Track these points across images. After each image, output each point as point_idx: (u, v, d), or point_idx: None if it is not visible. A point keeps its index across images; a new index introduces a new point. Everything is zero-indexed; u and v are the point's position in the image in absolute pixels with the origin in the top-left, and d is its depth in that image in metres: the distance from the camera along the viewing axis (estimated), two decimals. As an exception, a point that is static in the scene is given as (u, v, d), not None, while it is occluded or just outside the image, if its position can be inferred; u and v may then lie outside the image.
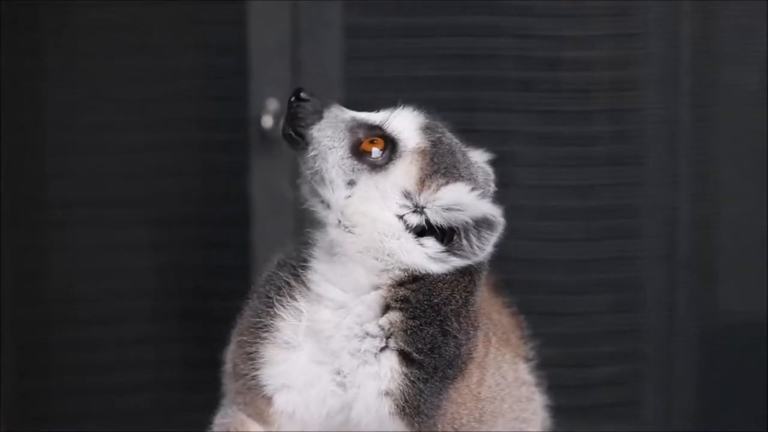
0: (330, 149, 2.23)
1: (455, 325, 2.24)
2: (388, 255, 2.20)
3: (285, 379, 2.30)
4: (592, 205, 3.39)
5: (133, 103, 3.39)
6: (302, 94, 2.28)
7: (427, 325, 2.23)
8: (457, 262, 2.20)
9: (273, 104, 3.34)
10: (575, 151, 3.37)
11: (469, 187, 2.22)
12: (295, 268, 2.31)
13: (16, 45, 3.35)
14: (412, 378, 2.23)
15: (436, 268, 2.20)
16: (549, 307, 3.29)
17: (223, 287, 3.36)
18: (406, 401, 2.25)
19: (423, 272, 2.21)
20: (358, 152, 2.22)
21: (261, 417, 2.33)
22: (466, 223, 2.18)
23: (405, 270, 2.21)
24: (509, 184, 3.30)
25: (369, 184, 2.21)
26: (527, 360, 2.53)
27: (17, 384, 3.43)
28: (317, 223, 2.27)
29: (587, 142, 3.38)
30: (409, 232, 2.21)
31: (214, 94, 3.40)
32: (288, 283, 2.30)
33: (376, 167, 2.21)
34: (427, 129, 2.27)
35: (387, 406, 2.25)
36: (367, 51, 3.36)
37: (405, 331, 2.23)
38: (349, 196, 2.21)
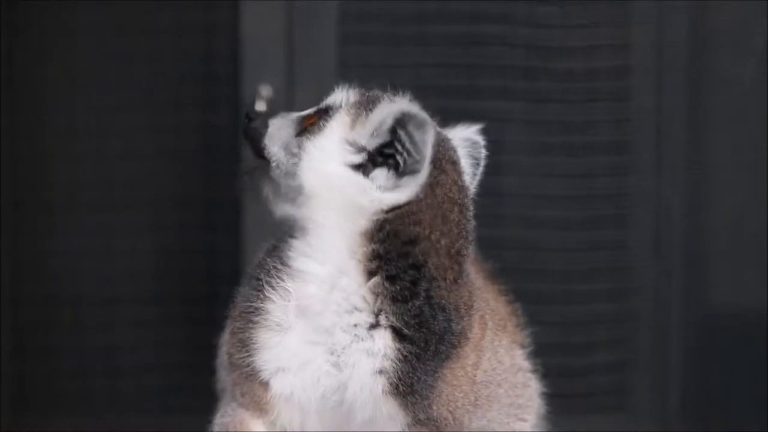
0: (279, 140, 2.32)
1: (442, 292, 2.24)
2: (351, 206, 2.22)
3: (279, 362, 2.30)
4: (584, 193, 3.39)
5: (125, 87, 3.38)
6: (249, 114, 2.40)
7: (412, 294, 2.23)
8: (409, 181, 2.21)
9: (267, 90, 3.33)
10: (568, 139, 3.37)
11: (388, 102, 2.28)
12: (283, 251, 2.32)
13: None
14: (404, 353, 2.24)
15: (394, 196, 2.21)
16: (540, 295, 3.29)
17: (215, 269, 3.38)
18: (400, 379, 2.25)
19: (387, 210, 2.22)
20: (301, 132, 2.31)
21: (259, 405, 2.34)
22: (394, 132, 2.21)
23: (373, 219, 2.22)
24: (503, 172, 3.31)
25: (312, 148, 2.27)
26: (523, 347, 2.54)
27: (16, 366, 3.44)
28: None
29: (580, 130, 3.38)
30: (359, 173, 2.23)
31: (208, 79, 3.39)
32: (276, 267, 2.31)
33: (315, 133, 2.28)
34: (360, 91, 2.36)
35: (381, 384, 2.26)
36: (362, 37, 3.36)
37: (392, 300, 2.24)
38: (299, 165, 2.27)
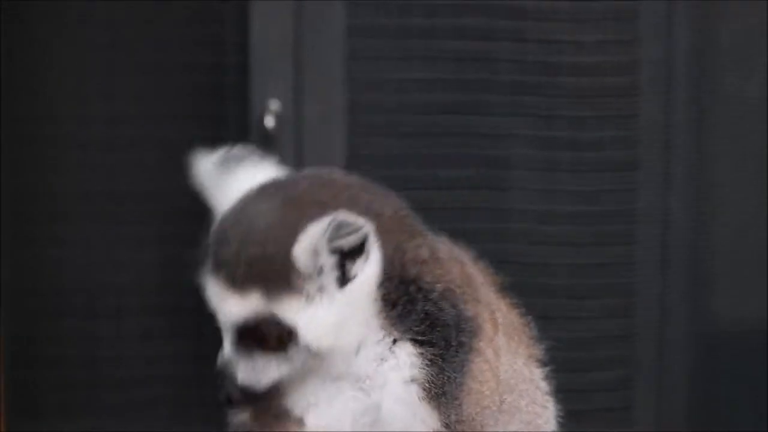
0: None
1: (429, 277, 2.20)
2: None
3: (309, 397, 2.27)
4: (586, 210, 3.41)
5: (131, 97, 3.40)
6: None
7: (411, 301, 2.18)
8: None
9: (275, 105, 3.34)
10: (570, 156, 3.39)
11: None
12: None
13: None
14: (429, 356, 2.21)
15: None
16: (542, 310, 3.29)
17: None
18: (431, 382, 2.23)
19: None
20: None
21: None
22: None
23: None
24: (510, 188, 3.32)
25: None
26: (541, 363, 2.47)
27: (12, 376, 3.44)
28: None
29: (582, 147, 3.39)
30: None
31: (216, 93, 3.41)
32: None
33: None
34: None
35: (415, 392, 2.25)
36: (371, 51, 3.37)
37: (399, 319, 2.19)
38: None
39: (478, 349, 2.27)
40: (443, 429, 2.26)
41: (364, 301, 2.16)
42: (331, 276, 2.11)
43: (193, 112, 3.42)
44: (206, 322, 3.39)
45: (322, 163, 3.36)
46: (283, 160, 3.32)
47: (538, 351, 2.48)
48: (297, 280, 2.09)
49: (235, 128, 3.40)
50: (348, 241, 2.08)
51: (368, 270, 2.14)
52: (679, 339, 3.47)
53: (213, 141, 3.40)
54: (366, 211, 2.17)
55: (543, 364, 2.48)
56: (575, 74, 3.37)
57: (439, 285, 2.22)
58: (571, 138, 3.37)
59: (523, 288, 3.14)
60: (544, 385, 2.44)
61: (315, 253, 2.08)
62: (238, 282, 2.07)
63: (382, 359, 2.24)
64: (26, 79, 3.39)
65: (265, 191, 2.16)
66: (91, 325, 3.45)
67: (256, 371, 2.16)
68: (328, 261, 2.09)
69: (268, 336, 2.12)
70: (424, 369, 2.23)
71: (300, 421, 2.29)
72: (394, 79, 3.36)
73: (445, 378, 2.24)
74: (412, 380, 2.24)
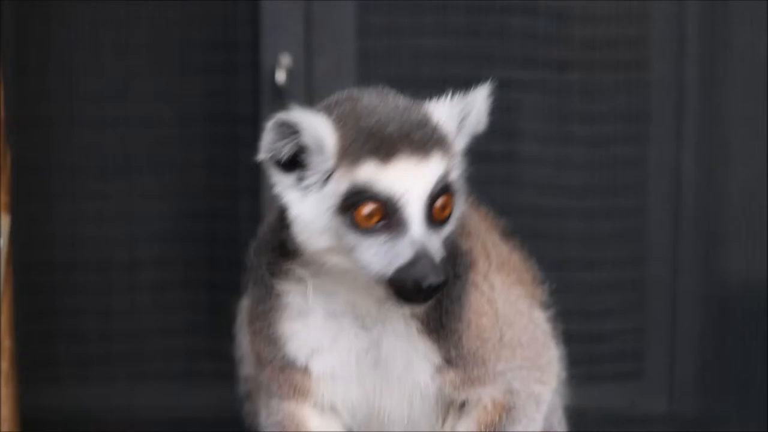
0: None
1: None
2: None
3: (312, 344, 2.32)
4: (603, 160, 3.42)
5: (143, 52, 3.41)
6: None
7: None
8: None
9: (286, 59, 3.35)
10: (585, 107, 3.40)
11: None
12: (276, 248, 2.32)
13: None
14: None
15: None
16: (557, 260, 3.30)
17: (232, 233, 3.40)
18: (429, 316, 2.27)
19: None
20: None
21: (302, 391, 2.36)
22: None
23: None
24: (523, 138, 3.32)
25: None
26: (543, 306, 2.52)
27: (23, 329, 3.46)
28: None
29: (597, 97, 3.40)
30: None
31: (227, 47, 3.41)
32: (276, 263, 2.31)
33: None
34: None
35: (414, 326, 2.28)
36: (382, 5, 3.37)
37: None
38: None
39: (475, 282, 2.32)
40: (445, 364, 2.31)
41: None
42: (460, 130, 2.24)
43: (205, 66, 3.42)
44: (220, 273, 3.45)
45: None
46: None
47: (541, 293, 2.54)
48: (448, 138, 2.21)
49: (246, 82, 3.40)
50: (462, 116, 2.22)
51: None
52: (690, 291, 3.48)
53: (225, 95, 3.44)
54: None
55: (546, 306, 2.53)
56: (587, 24, 3.38)
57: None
58: (583, 85, 3.39)
59: (536, 234, 3.17)
60: (546, 327, 2.48)
61: (449, 119, 2.22)
62: (426, 149, 2.15)
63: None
64: (40, 33, 3.41)
65: (363, 94, 2.23)
66: (105, 277, 3.47)
67: (438, 245, 2.17)
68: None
69: (446, 201, 2.18)
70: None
71: (305, 370, 2.34)
72: (406, 29, 3.36)
73: (443, 310, 2.28)
74: (412, 315, 2.28)
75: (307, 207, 2.17)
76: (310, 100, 3.37)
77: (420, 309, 2.25)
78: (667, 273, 3.47)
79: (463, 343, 2.30)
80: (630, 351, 3.50)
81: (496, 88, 2.28)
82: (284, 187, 2.19)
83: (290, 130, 2.15)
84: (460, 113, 2.24)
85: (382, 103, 2.21)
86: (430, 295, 2.13)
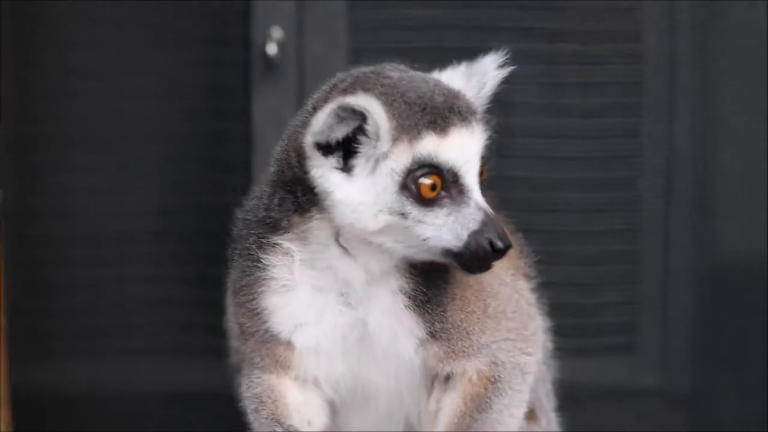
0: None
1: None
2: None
3: (296, 319, 2.32)
4: (596, 132, 3.41)
5: (134, 25, 3.39)
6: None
7: None
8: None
9: (277, 32, 3.34)
10: (578, 78, 3.39)
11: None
12: (263, 221, 2.32)
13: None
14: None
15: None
16: (550, 233, 3.31)
17: (223, 206, 3.38)
18: (415, 290, 2.28)
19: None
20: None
21: (284, 364, 2.36)
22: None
23: None
24: (516, 111, 3.32)
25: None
26: (527, 278, 2.52)
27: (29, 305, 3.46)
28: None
29: (590, 68, 3.39)
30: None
31: (219, 19, 3.40)
32: (263, 236, 2.31)
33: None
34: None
35: (401, 300, 2.28)
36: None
37: None
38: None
39: None
40: (429, 337, 2.30)
41: None
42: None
43: (196, 39, 3.41)
44: (212, 246, 3.45)
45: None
46: (285, 88, 3.37)
47: (525, 264, 2.54)
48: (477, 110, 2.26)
49: (237, 55, 3.39)
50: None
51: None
52: (683, 264, 3.48)
53: (216, 68, 3.44)
54: None
55: (530, 277, 2.53)
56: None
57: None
58: (576, 54, 3.38)
59: (529, 206, 3.17)
60: (531, 297, 2.48)
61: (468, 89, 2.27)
62: (470, 118, 2.21)
63: None
64: (29, 7, 3.39)
65: (384, 69, 2.26)
66: (95, 250, 3.46)
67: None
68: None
69: (483, 169, 2.24)
70: (407, 276, 2.28)
71: (288, 344, 2.34)
72: (397, 0, 3.36)
73: (429, 284, 2.28)
74: (399, 290, 2.28)
75: (357, 189, 2.18)
76: (301, 73, 3.37)
77: (416, 283, 2.28)
78: (660, 246, 3.47)
79: (447, 316, 2.30)
80: (622, 324, 3.50)
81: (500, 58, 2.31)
82: (326, 170, 2.19)
83: (352, 116, 2.16)
84: (477, 84, 2.29)
85: (411, 77, 2.25)
86: (498, 258, 2.19)
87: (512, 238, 2.48)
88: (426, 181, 2.16)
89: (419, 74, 2.27)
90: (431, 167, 2.16)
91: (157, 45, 3.41)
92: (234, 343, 2.56)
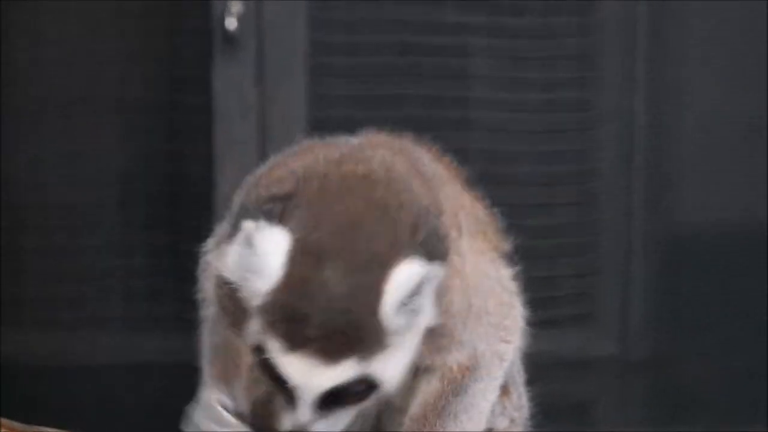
0: None
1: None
2: None
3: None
4: (547, 102, 3.41)
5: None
6: None
7: None
8: None
9: (237, 6, 3.33)
10: (535, 50, 3.40)
11: None
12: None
13: None
14: None
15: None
16: (503, 203, 3.33)
17: (185, 181, 3.42)
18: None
19: None
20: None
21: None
22: None
23: None
24: (469, 80, 3.34)
25: None
26: (506, 256, 2.46)
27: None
28: None
29: (543, 40, 3.39)
30: None
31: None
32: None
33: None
34: None
35: None
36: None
37: None
38: None
39: (449, 261, 2.24)
40: None
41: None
42: (412, 321, 2.09)
43: (155, 11, 3.40)
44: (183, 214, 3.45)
45: (283, 67, 3.38)
46: (245, 63, 3.37)
47: (505, 245, 2.48)
48: (386, 337, 2.07)
49: (196, 30, 3.38)
50: (428, 291, 2.08)
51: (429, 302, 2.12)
52: (639, 235, 3.50)
53: (175, 36, 3.43)
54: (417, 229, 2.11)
55: (511, 261, 2.46)
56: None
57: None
58: (531, 26, 3.38)
59: (488, 178, 3.18)
60: (511, 285, 2.43)
61: (401, 307, 2.05)
62: (331, 354, 2.03)
63: None
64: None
65: (321, 252, 2.05)
66: (68, 215, 3.46)
67: (334, 425, 2.12)
68: (410, 310, 2.07)
69: (353, 394, 2.09)
70: None
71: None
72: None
73: None
74: None
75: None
76: (260, 47, 3.37)
77: None
78: (619, 216, 3.48)
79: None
80: (581, 294, 3.51)
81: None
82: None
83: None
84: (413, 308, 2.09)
85: (324, 276, 2.03)
86: None
87: (490, 217, 2.48)
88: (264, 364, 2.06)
89: (351, 259, 2.05)
90: (271, 367, 2.06)
91: (120, 15, 3.40)
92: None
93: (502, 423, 2.48)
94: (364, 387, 2.09)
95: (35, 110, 3.41)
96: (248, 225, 2.04)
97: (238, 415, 2.25)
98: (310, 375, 2.04)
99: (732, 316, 3.46)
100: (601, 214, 3.49)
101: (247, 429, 2.24)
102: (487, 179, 2.84)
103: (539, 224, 3.44)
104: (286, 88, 3.37)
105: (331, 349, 2.02)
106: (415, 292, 2.06)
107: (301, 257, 2.04)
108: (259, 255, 2.03)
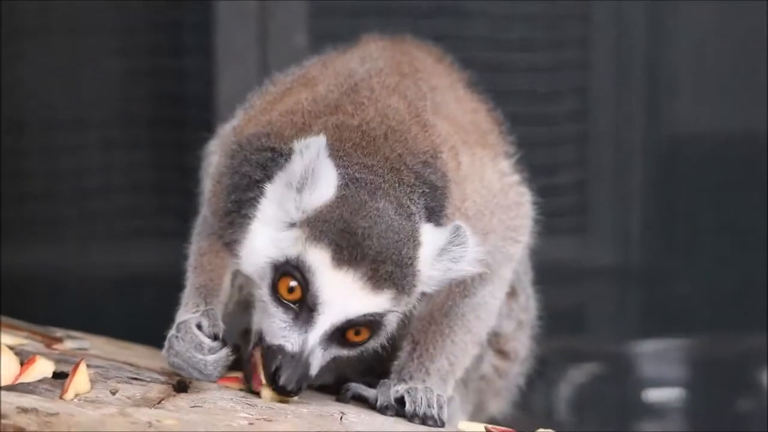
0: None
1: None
2: None
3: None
4: (548, 14, 3.44)
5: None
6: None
7: None
8: None
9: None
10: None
11: None
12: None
13: None
14: None
15: None
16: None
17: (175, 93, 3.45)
18: None
19: None
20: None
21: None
22: None
23: None
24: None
25: None
26: (508, 156, 2.51)
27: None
28: None
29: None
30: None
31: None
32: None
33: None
34: None
35: None
36: None
37: None
38: None
39: (449, 187, 2.27)
40: None
41: None
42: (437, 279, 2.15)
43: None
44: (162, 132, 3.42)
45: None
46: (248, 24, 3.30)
47: (506, 145, 2.53)
48: (418, 284, 2.13)
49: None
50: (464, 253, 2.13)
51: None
52: (636, 143, 3.51)
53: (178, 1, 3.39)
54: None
55: (510, 154, 2.52)
56: None
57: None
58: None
59: (482, 88, 3.26)
60: (515, 178, 2.46)
61: (435, 261, 2.13)
62: (376, 281, 2.06)
63: None
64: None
65: (373, 186, 2.11)
66: (52, 137, 3.46)
67: (322, 362, 2.12)
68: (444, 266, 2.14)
69: (363, 331, 2.12)
70: None
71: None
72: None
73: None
74: None
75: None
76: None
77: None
78: (611, 126, 3.48)
79: None
80: (576, 204, 3.52)
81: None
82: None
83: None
84: (449, 262, 2.15)
85: (380, 208, 2.09)
86: (280, 389, 2.09)
87: (491, 119, 2.53)
88: (289, 281, 2.08)
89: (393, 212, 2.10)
90: (303, 277, 2.07)
91: (113, 8, 3.40)
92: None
93: (509, 326, 2.54)
94: (376, 328, 2.11)
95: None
96: (305, 142, 2.07)
97: (215, 337, 2.25)
98: (352, 296, 2.06)
99: (729, 228, 3.47)
100: (595, 124, 3.49)
101: (228, 350, 2.25)
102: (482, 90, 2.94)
103: (532, 135, 3.33)
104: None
105: (377, 276, 2.06)
106: (444, 251, 2.13)
107: (354, 185, 2.08)
108: (315, 169, 2.06)
